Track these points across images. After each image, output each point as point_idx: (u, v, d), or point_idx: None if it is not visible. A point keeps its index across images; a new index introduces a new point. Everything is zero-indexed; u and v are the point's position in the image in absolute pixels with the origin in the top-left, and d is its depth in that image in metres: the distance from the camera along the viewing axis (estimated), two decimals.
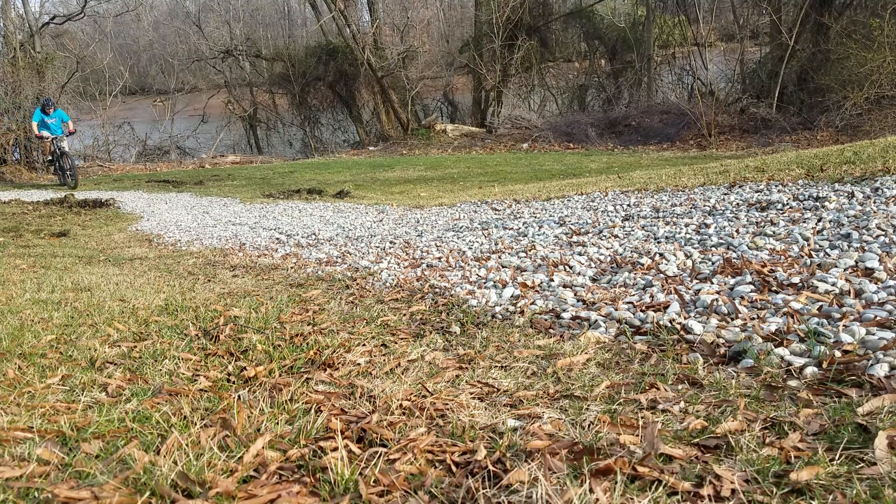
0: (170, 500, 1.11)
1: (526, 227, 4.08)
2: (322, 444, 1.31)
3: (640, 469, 1.12)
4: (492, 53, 20.56)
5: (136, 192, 12.62)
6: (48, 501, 1.12)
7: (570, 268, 2.85)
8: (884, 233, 2.57)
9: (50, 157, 13.58)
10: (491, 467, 1.18)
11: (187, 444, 1.30)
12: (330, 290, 2.98)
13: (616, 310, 2.15)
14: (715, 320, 1.92)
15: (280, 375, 1.79)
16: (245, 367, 1.85)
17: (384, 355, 1.93)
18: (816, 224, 2.92)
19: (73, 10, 22.21)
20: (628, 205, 4.46)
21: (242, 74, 25.82)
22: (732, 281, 2.26)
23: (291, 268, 3.73)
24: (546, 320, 2.15)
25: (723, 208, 3.69)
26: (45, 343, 2.21)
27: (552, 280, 2.65)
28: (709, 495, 1.05)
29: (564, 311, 2.22)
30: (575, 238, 3.50)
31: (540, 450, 1.23)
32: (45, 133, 13.01)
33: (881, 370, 1.43)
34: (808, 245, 2.59)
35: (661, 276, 2.51)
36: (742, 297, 2.08)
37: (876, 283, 2.02)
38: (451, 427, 1.38)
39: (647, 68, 20.29)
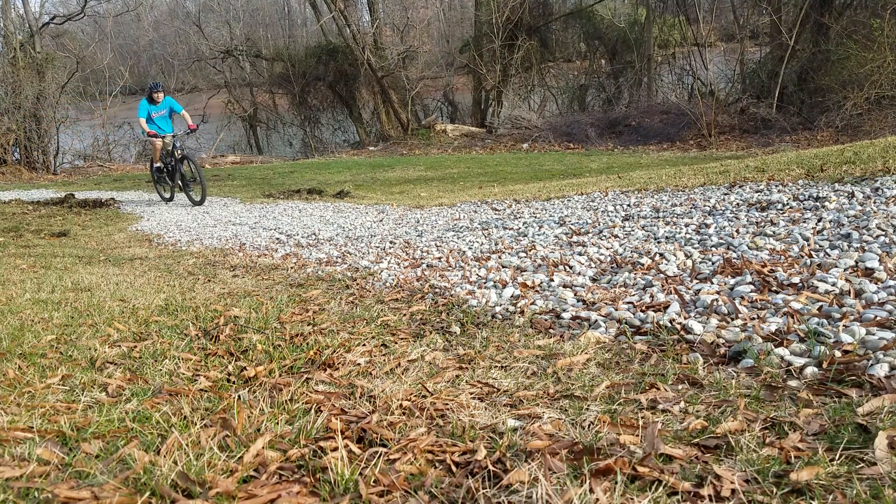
0: (170, 500, 1.11)
1: (526, 227, 4.08)
2: (322, 444, 1.31)
3: (640, 469, 1.12)
4: (492, 53, 20.56)
5: (136, 192, 12.62)
6: (48, 501, 1.12)
7: (570, 268, 2.85)
8: (884, 233, 2.57)
9: (159, 165, 9.51)
10: (491, 467, 1.18)
11: (187, 444, 1.30)
12: (330, 290, 2.98)
13: (616, 310, 2.15)
14: (715, 320, 1.92)
15: (280, 375, 1.79)
16: (245, 367, 1.85)
17: (384, 355, 1.93)
18: (816, 224, 2.92)
19: (73, 10, 22.21)
20: (628, 205, 4.46)
21: (242, 74, 25.82)
22: (732, 281, 2.26)
23: (291, 268, 3.73)
24: (546, 320, 2.15)
25: (723, 208, 3.69)
26: (45, 343, 2.20)
27: (552, 280, 2.65)
28: (709, 495, 1.05)
29: (564, 311, 2.22)
30: (575, 238, 3.49)
31: (540, 450, 1.22)
32: (157, 132, 9.05)
33: (881, 370, 1.43)
34: (808, 245, 2.59)
35: (661, 276, 2.51)
36: (742, 297, 2.08)
37: (876, 283, 2.02)
38: (451, 427, 1.38)
39: (647, 68, 20.29)
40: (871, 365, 1.47)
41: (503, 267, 3.03)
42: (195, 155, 8.89)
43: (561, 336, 1.99)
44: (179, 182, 9.42)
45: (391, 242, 4.30)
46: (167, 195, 10.23)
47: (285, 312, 2.52)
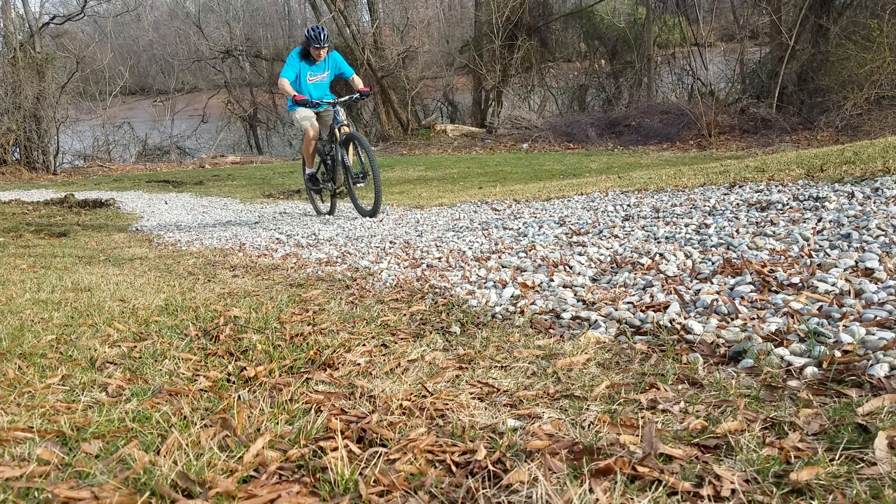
0: (170, 500, 1.11)
1: (526, 227, 4.08)
2: (322, 444, 1.31)
3: (640, 469, 1.12)
4: (492, 53, 20.56)
5: (136, 192, 12.63)
6: (48, 501, 1.12)
7: (570, 268, 2.85)
8: (884, 233, 2.57)
9: (314, 171, 6.37)
10: (491, 467, 1.18)
11: (187, 444, 1.30)
12: (330, 290, 2.98)
13: (616, 310, 2.15)
14: (715, 320, 1.92)
15: (280, 375, 1.79)
16: (245, 367, 1.85)
17: (384, 355, 1.93)
18: (816, 224, 2.92)
19: (73, 10, 22.22)
20: (628, 205, 4.46)
21: (242, 74, 25.83)
22: (732, 281, 2.26)
23: (291, 268, 3.73)
24: (546, 320, 2.15)
25: (723, 208, 3.69)
26: (45, 343, 2.20)
27: (552, 280, 2.65)
28: (709, 495, 1.05)
29: (564, 311, 2.22)
30: (575, 238, 3.49)
31: (540, 450, 1.23)
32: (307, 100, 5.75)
33: (881, 370, 1.43)
34: (808, 245, 2.59)
35: (661, 276, 2.51)
36: (742, 297, 2.08)
37: (876, 283, 2.02)
38: (451, 427, 1.38)
39: (647, 68, 20.29)
40: (871, 365, 1.47)
41: (503, 267, 3.03)
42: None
43: (561, 336, 1.99)
44: (342, 180, 6.10)
45: (391, 242, 4.30)
46: (326, 207, 6.58)
47: (285, 312, 2.52)
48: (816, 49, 15.80)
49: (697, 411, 1.37)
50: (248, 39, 26.01)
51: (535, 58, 21.16)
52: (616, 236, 3.41)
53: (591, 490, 1.07)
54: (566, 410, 1.44)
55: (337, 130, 5.83)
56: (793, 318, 1.85)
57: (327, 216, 6.52)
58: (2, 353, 2.09)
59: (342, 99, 5.98)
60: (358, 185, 5.87)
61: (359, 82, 6.07)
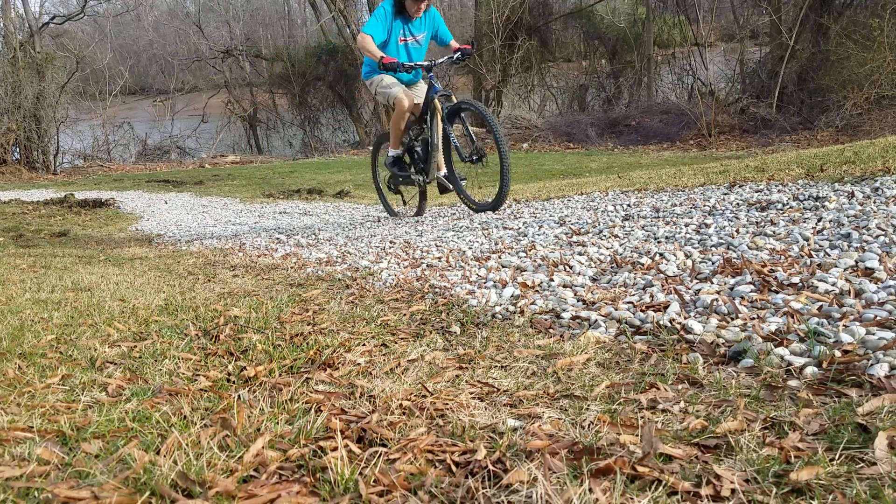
0: (170, 500, 1.11)
1: (526, 227, 4.08)
2: (322, 443, 1.31)
3: (640, 469, 1.12)
4: (492, 53, 20.56)
5: (136, 191, 12.63)
6: (48, 501, 1.12)
7: (570, 268, 2.85)
8: (884, 233, 2.57)
9: (399, 153, 5.06)
10: (491, 467, 1.18)
11: (187, 444, 1.30)
12: (330, 289, 2.98)
13: (616, 310, 2.15)
14: (715, 320, 1.92)
15: (280, 375, 1.79)
16: (245, 367, 1.85)
17: (384, 355, 1.93)
18: (816, 224, 2.92)
19: (73, 10, 22.24)
20: (628, 205, 4.46)
21: (242, 74, 25.85)
22: (732, 281, 2.26)
23: (291, 268, 3.73)
24: (546, 320, 2.15)
25: (723, 208, 3.69)
26: (45, 343, 2.20)
27: (552, 280, 2.65)
28: (708, 495, 1.05)
29: (564, 310, 2.22)
30: (575, 238, 3.49)
31: (540, 450, 1.22)
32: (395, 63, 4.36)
33: (881, 370, 1.43)
34: (808, 245, 2.59)
35: (661, 275, 2.51)
36: (742, 297, 2.08)
37: (876, 283, 2.02)
38: (451, 427, 1.38)
39: (647, 68, 20.30)
40: (871, 365, 1.47)
41: (503, 267, 3.03)
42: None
43: (561, 336, 1.98)
44: (439, 166, 4.88)
45: (391, 242, 4.30)
46: (401, 207, 5.43)
47: (285, 312, 2.52)
48: (816, 49, 15.81)
49: (697, 411, 1.37)
50: (248, 39, 26.03)
51: (535, 58, 21.16)
52: (616, 236, 3.41)
53: (590, 490, 1.07)
54: (566, 410, 1.44)
55: (437, 101, 4.56)
56: (793, 317, 1.85)
57: (413, 218, 5.22)
58: (2, 353, 2.09)
59: (440, 60, 4.67)
60: (469, 159, 4.49)
61: (453, 44, 4.79)
